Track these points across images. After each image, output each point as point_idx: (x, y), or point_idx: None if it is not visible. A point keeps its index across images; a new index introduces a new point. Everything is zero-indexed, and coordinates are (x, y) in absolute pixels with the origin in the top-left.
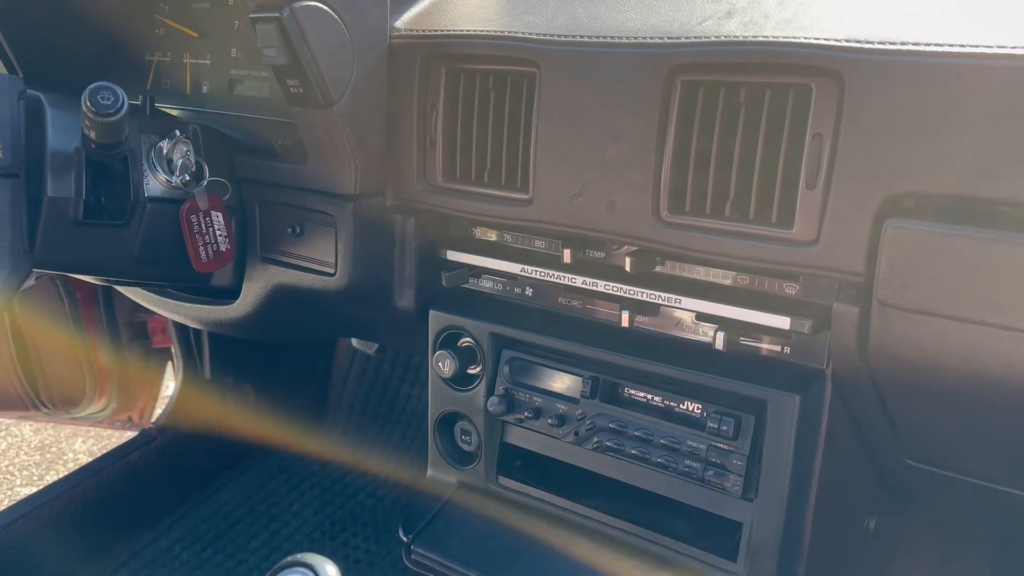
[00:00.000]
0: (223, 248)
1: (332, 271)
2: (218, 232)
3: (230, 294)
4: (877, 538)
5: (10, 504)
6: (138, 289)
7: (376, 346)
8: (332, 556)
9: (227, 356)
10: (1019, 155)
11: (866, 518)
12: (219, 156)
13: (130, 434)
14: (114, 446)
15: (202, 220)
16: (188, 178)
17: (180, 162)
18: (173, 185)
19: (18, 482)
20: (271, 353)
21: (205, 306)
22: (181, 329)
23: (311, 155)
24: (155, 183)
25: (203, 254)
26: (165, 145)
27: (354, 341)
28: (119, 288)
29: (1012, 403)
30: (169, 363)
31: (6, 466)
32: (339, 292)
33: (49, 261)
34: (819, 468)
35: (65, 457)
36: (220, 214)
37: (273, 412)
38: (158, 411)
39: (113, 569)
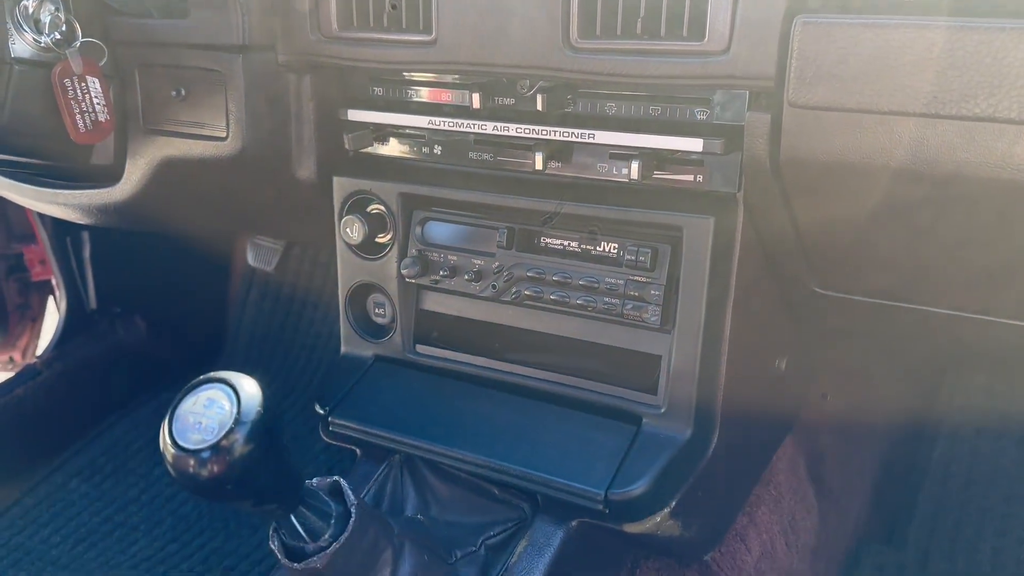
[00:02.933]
0: (102, 119)
1: (224, 134)
2: (95, 100)
3: (111, 177)
4: (787, 379)
5: None
6: (9, 182)
7: (276, 261)
8: None
9: (114, 285)
10: None
11: (777, 358)
12: (91, 16)
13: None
14: None
15: (77, 86)
16: (59, 37)
17: (49, 20)
18: (42, 46)
19: None
20: (161, 280)
21: (85, 191)
22: (62, 258)
23: (192, 6)
24: (22, 44)
25: (80, 123)
26: (30, 3)
27: (250, 257)
28: None
29: (916, 195)
30: (51, 296)
31: None
32: (232, 159)
33: None
34: (732, 298)
35: None
36: (97, 79)
37: (166, 344)
38: (42, 346)
39: (7, 507)
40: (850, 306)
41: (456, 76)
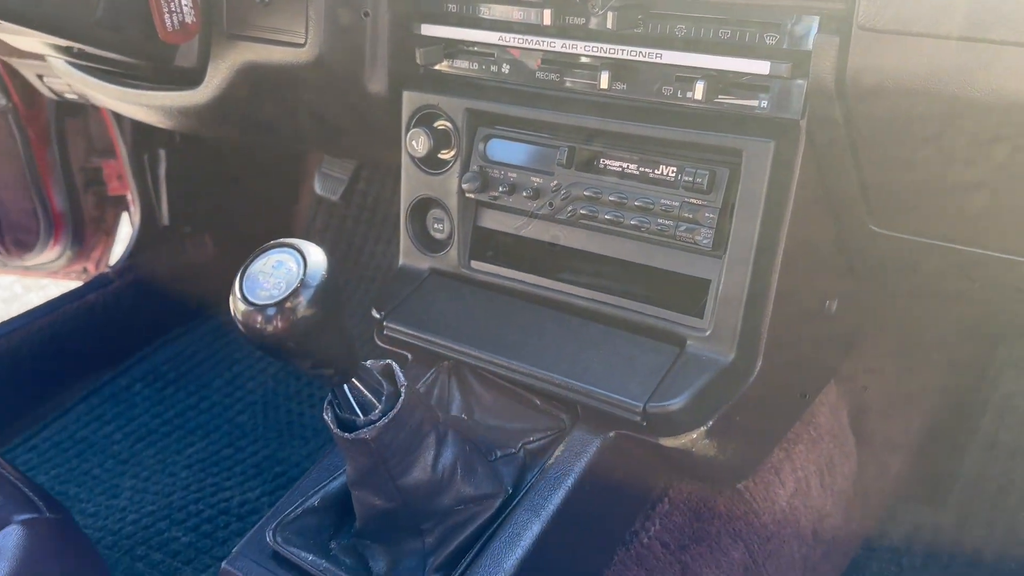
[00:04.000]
0: (188, 20)
1: (302, 41)
2: (183, 2)
3: (193, 80)
4: (836, 321)
5: None
6: (97, 82)
7: (341, 191)
8: (295, 396)
9: (185, 204)
10: None
11: (827, 298)
12: None
13: None
14: None
15: None
16: None
17: None
18: None
19: None
20: (230, 203)
21: (168, 93)
22: (139, 174)
23: None
24: None
25: (168, 22)
26: None
27: (317, 186)
28: (78, 73)
29: (987, 130)
30: (125, 211)
31: None
32: (308, 66)
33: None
34: (787, 227)
35: None
36: None
37: (231, 264)
38: (115, 259)
39: (72, 405)
40: (908, 249)
41: None
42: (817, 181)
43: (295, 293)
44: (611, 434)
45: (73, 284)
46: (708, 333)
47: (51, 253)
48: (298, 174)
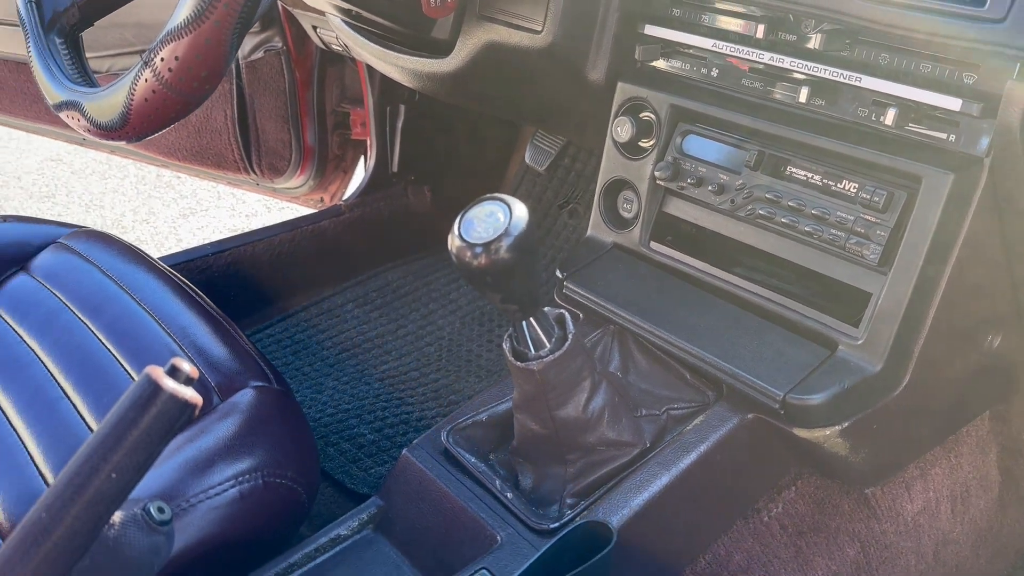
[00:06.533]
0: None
1: (539, 29)
2: None
3: (443, 51)
4: (996, 358)
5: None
6: (363, 40)
7: (547, 163)
8: (476, 339)
9: (414, 157)
10: None
11: (991, 333)
12: None
13: None
14: None
15: None
16: None
17: None
18: None
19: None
20: (451, 161)
21: (421, 59)
22: (379, 124)
23: None
24: None
25: (432, 0)
26: None
27: (528, 155)
28: (350, 31)
29: None
30: (363, 155)
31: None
32: (540, 51)
33: None
34: (955, 257)
35: None
36: None
37: (444, 214)
38: (348, 193)
39: (294, 311)
40: None
41: (749, 7)
42: (994, 219)
43: (499, 238)
44: (750, 416)
45: (309, 210)
46: (860, 342)
47: (297, 180)
48: (512, 144)
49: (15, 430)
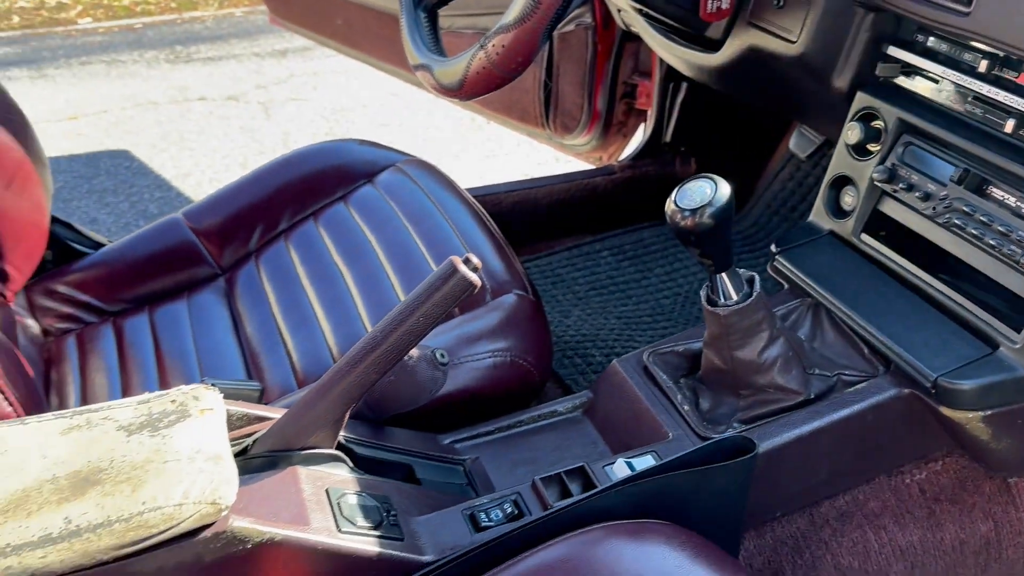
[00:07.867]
0: (724, 7)
1: (794, 39)
2: None
3: (714, 47)
4: None
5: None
6: (653, 32)
7: (810, 151)
8: None
9: (687, 131)
10: None
11: None
12: None
13: None
14: None
15: None
16: None
17: None
18: None
19: None
20: (721, 138)
21: (695, 52)
22: (661, 97)
23: None
24: None
25: (710, 6)
26: None
27: (792, 142)
28: (642, 21)
29: None
30: (642, 123)
31: None
32: (792, 59)
33: None
34: None
35: None
36: None
37: None
38: (623, 156)
39: (558, 250)
40: None
41: (979, 45)
42: None
43: (703, 207)
44: (906, 391)
45: (587, 166)
46: (1019, 346)
47: (582, 139)
48: (781, 132)
49: (352, 296)
